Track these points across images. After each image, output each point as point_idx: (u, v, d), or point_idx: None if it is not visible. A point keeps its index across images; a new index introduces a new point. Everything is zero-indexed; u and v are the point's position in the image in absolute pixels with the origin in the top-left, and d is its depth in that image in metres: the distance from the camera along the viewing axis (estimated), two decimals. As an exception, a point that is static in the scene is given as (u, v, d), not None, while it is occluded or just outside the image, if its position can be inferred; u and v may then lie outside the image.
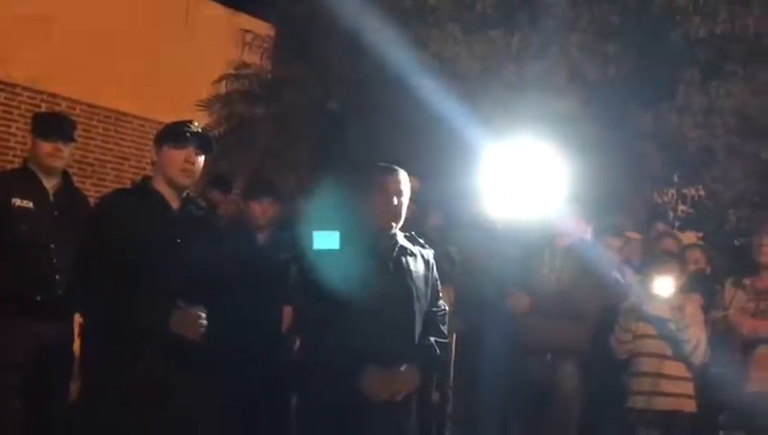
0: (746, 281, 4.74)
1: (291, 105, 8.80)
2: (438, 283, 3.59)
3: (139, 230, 3.21)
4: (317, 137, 8.65)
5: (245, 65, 9.33)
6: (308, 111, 8.75)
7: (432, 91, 7.07)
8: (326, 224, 3.44)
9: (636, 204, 7.95)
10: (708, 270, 5.67)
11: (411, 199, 3.53)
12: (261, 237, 4.88)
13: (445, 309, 3.58)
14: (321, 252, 3.36)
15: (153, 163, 3.45)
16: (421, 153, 6.94)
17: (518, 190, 5.12)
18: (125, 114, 9.66)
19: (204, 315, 3.17)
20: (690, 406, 4.73)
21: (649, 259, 5.08)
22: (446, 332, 3.57)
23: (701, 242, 7.09)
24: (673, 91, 7.95)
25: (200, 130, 3.45)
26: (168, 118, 3.60)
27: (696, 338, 4.69)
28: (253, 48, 9.47)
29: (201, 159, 3.41)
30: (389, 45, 7.13)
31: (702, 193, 8.57)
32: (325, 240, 3.34)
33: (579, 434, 4.87)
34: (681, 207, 8.64)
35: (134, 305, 3.12)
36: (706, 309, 4.95)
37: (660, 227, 6.75)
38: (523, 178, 5.09)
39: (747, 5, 7.70)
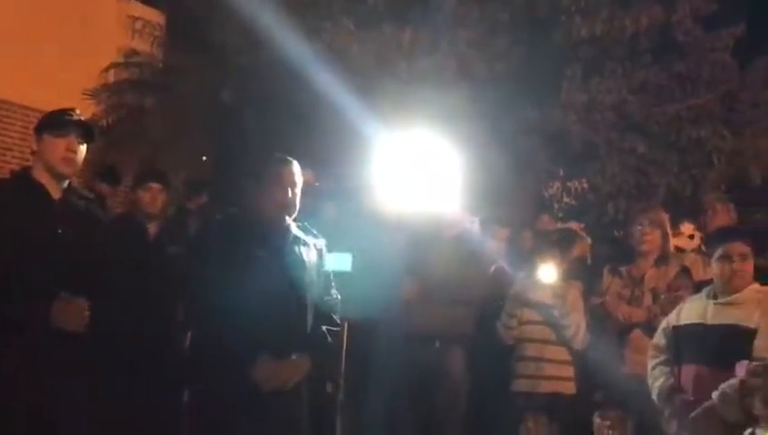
0: (622, 269, 4.99)
1: (183, 95, 8.67)
2: (331, 272, 3.64)
3: (17, 220, 3.15)
4: (211, 127, 8.57)
5: (136, 53, 9.13)
6: (201, 101, 8.65)
7: (327, 83, 7.12)
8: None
9: (522, 196, 8.25)
10: (589, 259, 5.93)
11: (304, 191, 3.58)
12: (152, 228, 4.78)
13: (337, 298, 3.65)
14: (205, 241, 3.39)
15: (33, 153, 3.38)
16: (316, 145, 7.00)
17: (410, 182, 5.24)
18: (8, 102, 9.30)
19: (87, 306, 3.14)
20: (570, 388, 4.97)
21: (533, 248, 5.29)
22: (338, 320, 3.63)
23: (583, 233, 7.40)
24: (557, 88, 8.27)
25: (82, 118, 3.40)
26: (54, 107, 3.52)
27: (576, 323, 4.94)
28: (143, 36, 9.28)
29: (83, 147, 3.36)
30: (283, 36, 7.13)
31: (585, 186, 8.95)
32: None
33: (467, 419, 5.05)
34: (565, 199, 9.00)
35: (10, 295, 3.05)
36: (586, 296, 5.19)
37: (545, 218, 7.01)
38: (414, 170, 5.22)
39: (626, 7, 8.08)
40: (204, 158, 8.49)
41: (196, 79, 8.63)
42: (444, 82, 7.64)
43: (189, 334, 4.29)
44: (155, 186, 4.78)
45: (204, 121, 8.60)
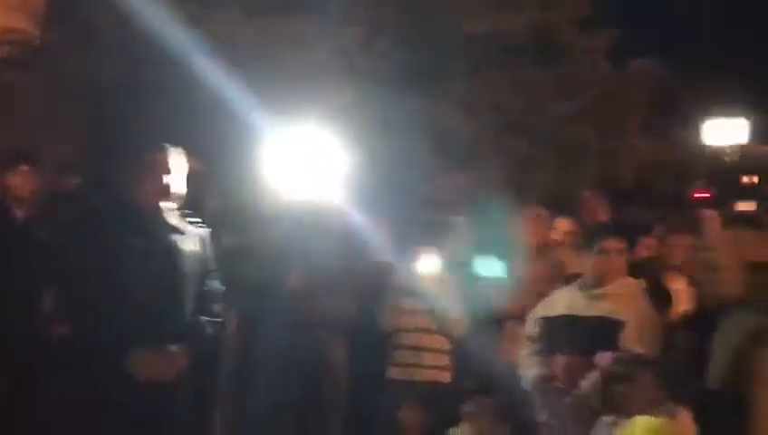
0: (501, 262, 5.14)
1: (62, 74, 8.34)
2: (212, 262, 3.58)
3: None
4: (86, 109, 8.27)
5: (12, 30, 8.70)
6: (80, 82, 8.35)
7: (213, 73, 7.01)
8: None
9: (407, 191, 8.35)
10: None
11: (190, 180, 3.51)
12: (20, 213, 4.56)
13: (219, 288, 3.59)
14: (77, 227, 3.29)
15: None
16: (202, 134, 6.88)
17: (297, 175, 5.27)
18: None
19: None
20: (446, 377, 5.09)
21: (415, 239, 5.38)
22: (219, 311, 3.57)
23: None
24: (442, 86, 8.42)
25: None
26: None
27: (455, 312, 5.05)
28: (21, 12, 8.84)
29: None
30: (166, 22, 6.96)
31: (469, 182, 9.12)
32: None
33: (348, 407, 5.10)
34: (457, 195, 9.12)
35: None
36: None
37: (431, 211, 7.11)
38: (301, 163, 5.25)
39: (506, 8, 8.29)
40: (77, 140, 8.17)
41: (75, 59, 8.31)
42: (332, 77, 7.65)
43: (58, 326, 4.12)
44: (25, 168, 4.58)
45: (79, 102, 8.30)
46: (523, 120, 8.93)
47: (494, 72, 8.43)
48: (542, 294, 4.46)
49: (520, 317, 4.65)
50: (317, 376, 4.92)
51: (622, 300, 4.07)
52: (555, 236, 5.47)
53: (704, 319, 4.36)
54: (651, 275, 4.74)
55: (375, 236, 5.29)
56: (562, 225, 5.55)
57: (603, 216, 5.50)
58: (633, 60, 12.37)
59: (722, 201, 4.36)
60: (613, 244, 4.16)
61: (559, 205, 6.22)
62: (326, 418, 5.07)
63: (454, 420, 4.67)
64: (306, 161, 5.16)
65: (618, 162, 11.61)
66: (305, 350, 4.89)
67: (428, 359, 5.06)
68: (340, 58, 7.83)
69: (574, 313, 4.10)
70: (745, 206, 4.46)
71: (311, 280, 4.87)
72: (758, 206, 4.29)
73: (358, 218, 5.21)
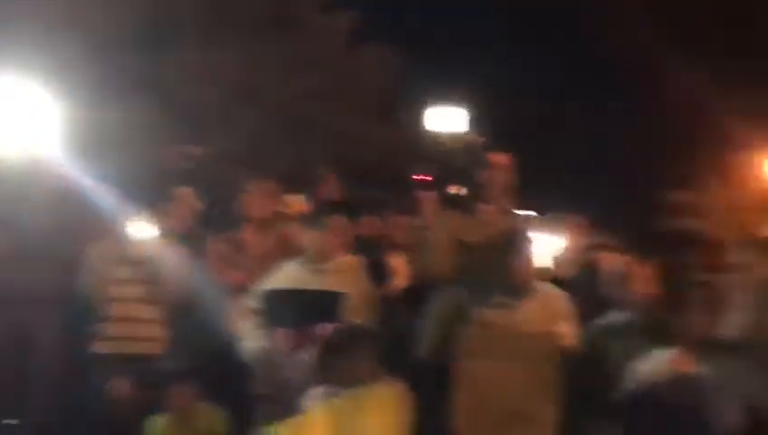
0: (228, 233, 5.07)
1: None
2: None
3: None
4: None
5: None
6: None
7: None
8: None
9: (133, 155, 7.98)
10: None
11: None
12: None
13: None
14: None
15: None
16: None
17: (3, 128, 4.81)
18: None
19: None
20: (158, 349, 4.89)
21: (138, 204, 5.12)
22: None
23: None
24: (178, 55, 8.12)
25: None
26: None
27: (174, 282, 4.87)
28: None
29: None
30: None
31: (202, 152, 8.93)
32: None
33: (58, 384, 4.78)
34: (183, 164, 8.89)
35: None
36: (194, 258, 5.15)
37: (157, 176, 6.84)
38: (9, 116, 4.80)
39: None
40: None
41: None
42: (49, 27, 7.07)
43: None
44: None
45: None
46: (257, 93, 8.87)
47: (230, 44, 8.28)
48: (267, 268, 4.45)
49: (244, 290, 4.61)
50: (26, 351, 4.52)
51: (344, 275, 4.19)
52: (285, 210, 5.49)
53: (418, 295, 4.60)
54: (373, 252, 4.92)
55: (92, 198, 4.96)
56: (293, 200, 5.59)
57: (333, 194, 5.62)
58: (369, 44, 12.75)
59: (439, 184, 4.64)
60: (337, 221, 4.27)
61: (291, 181, 6.26)
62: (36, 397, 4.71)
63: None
64: (14, 116, 4.71)
65: (351, 143, 11.94)
66: (10, 324, 4.46)
67: (142, 330, 4.84)
68: (61, 7, 7.25)
69: (299, 286, 4.15)
70: (457, 189, 4.81)
71: (14, 247, 4.44)
72: (469, 190, 4.61)
73: (73, 178, 4.84)
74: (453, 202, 4.67)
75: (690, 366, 3.55)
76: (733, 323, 3.98)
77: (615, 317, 4.26)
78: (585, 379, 4.08)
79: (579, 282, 4.83)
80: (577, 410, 4.00)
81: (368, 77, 12.16)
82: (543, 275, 4.54)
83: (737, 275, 4.36)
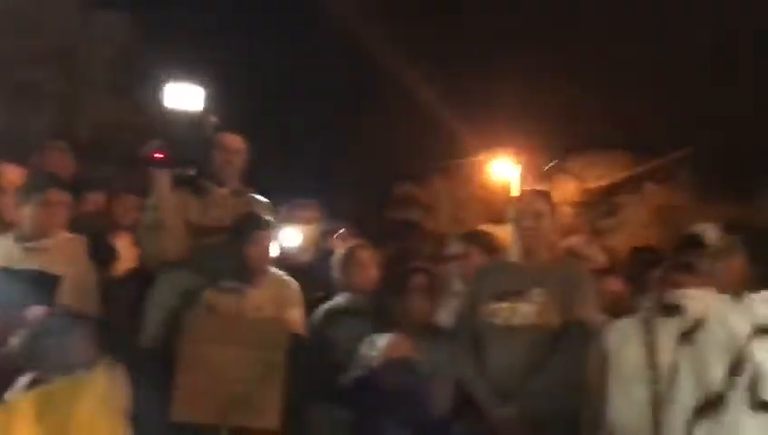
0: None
1: None
2: None
3: None
4: None
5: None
6: None
7: None
8: None
9: None
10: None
11: None
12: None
13: None
14: None
15: None
16: None
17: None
18: None
19: None
20: None
21: None
22: None
23: None
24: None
25: None
26: None
27: None
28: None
29: None
30: None
31: None
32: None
33: None
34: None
35: None
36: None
37: None
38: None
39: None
40: None
41: None
42: None
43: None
44: None
45: None
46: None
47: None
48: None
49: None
50: None
51: (61, 254, 3.96)
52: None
53: (144, 278, 4.42)
54: (96, 231, 4.65)
55: None
56: (8, 171, 5.13)
57: (56, 166, 5.22)
58: (103, 11, 12.10)
59: (172, 164, 4.48)
60: (56, 196, 4.02)
61: (8, 149, 5.78)
62: None
63: None
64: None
65: (79, 114, 11.29)
66: None
67: None
68: None
69: (9, 265, 3.85)
70: (190, 170, 4.69)
71: None
72: (202, 172, 4.51)
73: None
74: (186, 183, 4.52)
75: (408, 350, 3.72)
76: (450, 310, 4.24)
77: (340, 301, 4.37)
78: (312, 363, 4.15)
79: (314, 268, 4.89)
80: (303, 395, 4.06)
81: (99, 45, 11.55)
82: (278, 260, 4.55)
83: (456, 264, 4.66)
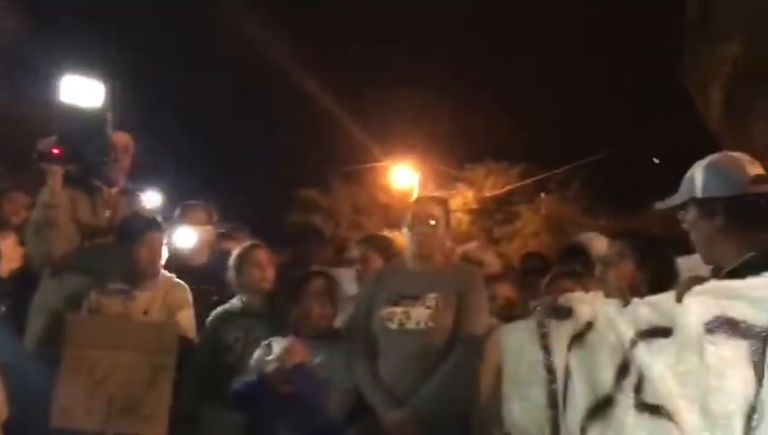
0: None
1: None
2: None
3: None
4: None
5: None
6: None
7: None
8: None
9: None
10: None
11: None
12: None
13: None
14: None
15: None
16: None
17: None
18: None
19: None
20: None
21: None
22: None
23: None
24: None
25: None
26: None
27: None
28: None
29: None
30: None
31: None
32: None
33: None
34: None
35: None
36: None
37: None
38: None
39: None
40: None
41: None
42: None
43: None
44: None
45: None
46: None
47: None
48: None
49: None
50: None
51: None
52: None
53: (28, 278, 4.24)
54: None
55: None
56: None
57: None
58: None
59: (63, 161, 4.31)
60: None
61: None
62: None
63: None
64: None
65: None
66: None
67: None
68: None
69: None
70: (81, 168, 4.55)
71: None
72: (92, 170, 4.37)
73: None
74: (75, 181, 4.36)
75: (304, 356, 3.68)
76: (344, 315, 4.22)
77: (235, 303, 4.30)
78: (204, 366, 4.06)
79: (208, 269, 4.79)
80: (196, 398, 3.96)
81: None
82: (171, 261, 4.44)
83: (356, 268, 4.65)
